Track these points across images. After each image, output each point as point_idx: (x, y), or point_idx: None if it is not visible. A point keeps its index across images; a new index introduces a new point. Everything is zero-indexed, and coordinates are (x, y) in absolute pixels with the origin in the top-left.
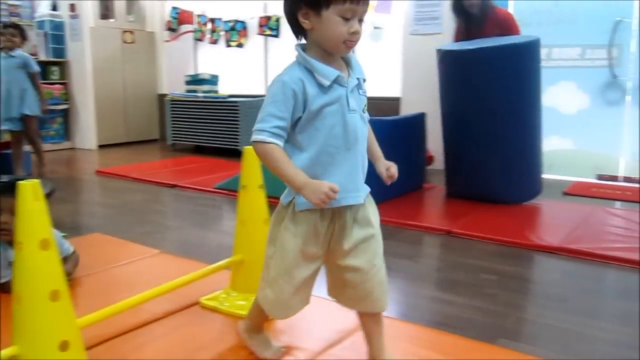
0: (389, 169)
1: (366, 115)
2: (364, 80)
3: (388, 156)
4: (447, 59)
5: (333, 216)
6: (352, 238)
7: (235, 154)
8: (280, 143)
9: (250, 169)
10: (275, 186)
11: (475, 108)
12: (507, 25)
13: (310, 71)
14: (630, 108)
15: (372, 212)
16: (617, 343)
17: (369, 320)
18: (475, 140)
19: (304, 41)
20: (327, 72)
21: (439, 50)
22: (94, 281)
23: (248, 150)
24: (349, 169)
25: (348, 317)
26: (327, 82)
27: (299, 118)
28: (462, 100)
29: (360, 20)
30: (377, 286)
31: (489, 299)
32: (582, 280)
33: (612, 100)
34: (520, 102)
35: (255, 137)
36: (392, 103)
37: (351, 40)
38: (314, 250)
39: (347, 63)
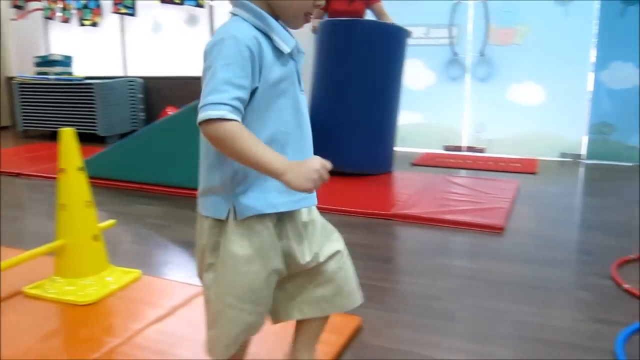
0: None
1: None
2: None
3: None
4: (326, 30)
5: (280, 220)
6: (316, 229)
7: (94, 139)
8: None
9: (68, 152)
10: (97, 167)
11: (341, 82)
12: None
13: (264, 33)
14: (469, 84)
15: None
16: (427, 296)
17: (318, 322)
18: (338, 114)
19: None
20: (287, 36)
21: (321, 23)
22: None
23: (64, 132)
24: None
25: (178, 294)
26: (287, 49)
27: (254, 90)
28: (330, 74)
29: None
30: (353, 274)
31: None
32: (408, 242)
33: (455, 77)
34: (386, 80)
35: (210, 112)
36: None
37: (312, 13)
38: (277, 263)
39: None
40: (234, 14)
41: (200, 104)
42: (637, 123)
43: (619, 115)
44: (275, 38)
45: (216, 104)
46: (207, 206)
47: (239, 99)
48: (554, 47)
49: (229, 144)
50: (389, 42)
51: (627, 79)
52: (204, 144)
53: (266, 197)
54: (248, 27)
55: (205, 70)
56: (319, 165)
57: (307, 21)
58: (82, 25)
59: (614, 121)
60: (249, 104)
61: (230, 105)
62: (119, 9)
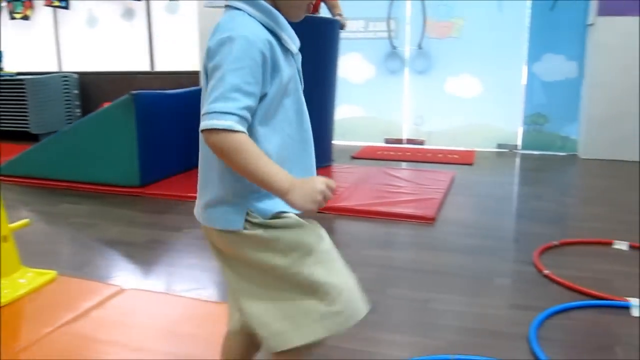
0: None
1: None
2: None
3: (167, 131)
4: None
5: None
6: None
7: (26, 137)
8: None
9: None
10: (24, 165)
11: None
12: None
13: (271, 30)
14: (408, 76)
15: None
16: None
17: None
18: None
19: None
20: (294, 35)
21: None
22: None
23: None
24: (308, 167)
25: (93, 294)
26: (295, 48)
27: (264, 96)
28: None
29: None
30: None
31: None
32: (338, 235)
33: (394, 70)
34: (320, 73)
35: (215, 122)
36: (192, 77)
37: (312, 3)
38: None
39: None
40: (235, 8)
41: (205, 110)
42: (569, 114)
43: (552, 106)
44: (285, 37)
45: (223, 113)
46: (218, 218)
47: (247, 108)
48: (489, 40)
49: (232, 156)
50: (321, 35)
51: (559, 70)
52: (208, 150)
53: (277, 202)
54: (257, 26)
55: (212, 70)
56: (323, 185)
57: (309, 11)
58: (13, 18)
59: (547, 112)
60: (258, 110)
61: (238, 116)
62: (52, 2)
